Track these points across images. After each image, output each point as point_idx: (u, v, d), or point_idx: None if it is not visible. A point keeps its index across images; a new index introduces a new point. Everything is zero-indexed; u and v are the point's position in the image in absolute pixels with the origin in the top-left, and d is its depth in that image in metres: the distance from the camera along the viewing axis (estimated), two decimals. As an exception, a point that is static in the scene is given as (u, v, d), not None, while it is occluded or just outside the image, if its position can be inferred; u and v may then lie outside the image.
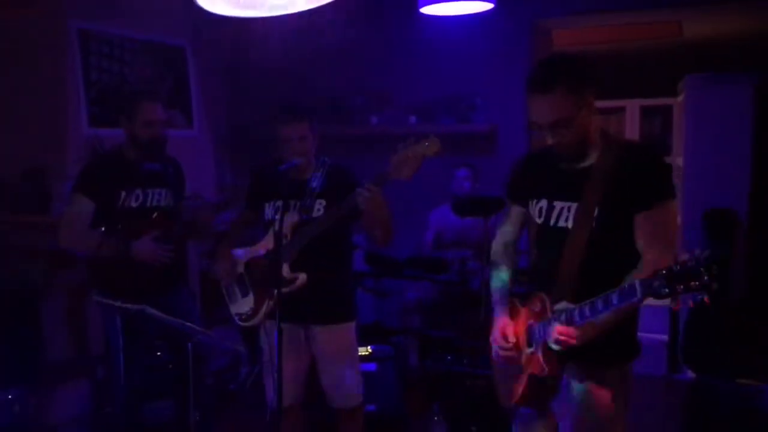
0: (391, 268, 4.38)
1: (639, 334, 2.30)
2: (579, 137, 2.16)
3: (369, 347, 3.97)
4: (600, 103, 2.22)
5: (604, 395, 2.21)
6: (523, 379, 2.28)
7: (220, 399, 4.38)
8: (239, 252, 3.14)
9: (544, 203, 2.30)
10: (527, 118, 2.20)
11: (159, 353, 3.76)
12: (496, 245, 2.55)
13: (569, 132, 2.13)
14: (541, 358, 2.18)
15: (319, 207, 2.98)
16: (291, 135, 2.95)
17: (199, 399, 3.17)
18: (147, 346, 3.63)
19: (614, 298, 1.94)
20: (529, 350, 2.25)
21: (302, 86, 5.29)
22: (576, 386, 2.23)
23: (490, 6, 3.84)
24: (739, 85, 5.29)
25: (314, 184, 3.01)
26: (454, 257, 4.51)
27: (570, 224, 2.20)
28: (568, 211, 2.21)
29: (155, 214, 3.38)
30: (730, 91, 5.32)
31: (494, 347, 2.41)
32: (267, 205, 3.08)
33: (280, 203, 2.93)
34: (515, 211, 2.49)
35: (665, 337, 5.20)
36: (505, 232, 2.54)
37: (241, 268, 3.12)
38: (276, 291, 2.60)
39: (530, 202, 2.36)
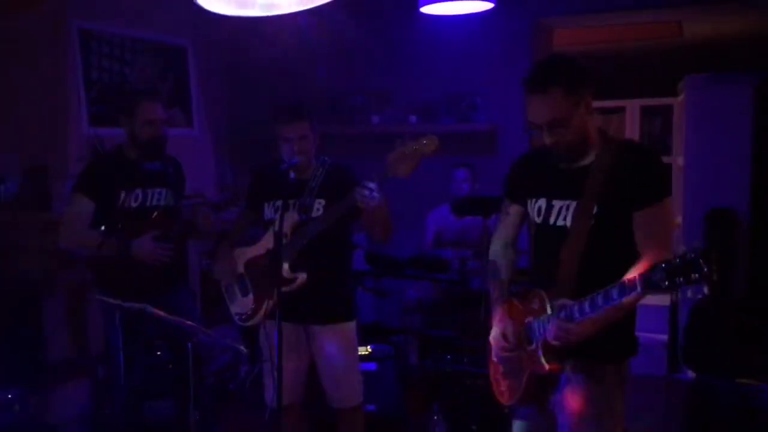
0: (392, 268, 4.38)
1: (639, 334, 2.31)
2: (577, 137, 2.17)
3: (369, 347, 3.97)
4: (600, 103, 2.24)
5: (603, 391, 2.22)
6: (523, 377, 2.28)
7: (220, 399, 4.38)
8: (239, 252, 3.14)
9: (542, 202, 2.30)
10: (527, 118, 2.22)
11: (159, 353, 3.76)
12: (495, 244, 2.55)
13: (567, 131, 2.15)
14: (541, 355, 2.19)
15: (318, 206, 2.98)
16: (291, 134, 2.95)
17: (199, 399, 3.17)
18: (147, 345, 3.63)
19: (614, 293, 1.95)
20: (529, 348, 2.26)
21: (302, 86, 5.29)
22: (575, 382, 2.23)
23: (490, 6, 3.85)
24: (739, 85, 5.28)
25: (314, 183, 3.01)
26: (453, 257, 4.50)
27: (569, 222, 2.21)
28: (567, 209, 2.22)
29: (155, 214, 3.39)
30: (730, 91, 5.32)
31: (494, 347, 2.41)
32: (267, 204, 3.08)
33: (279, 203, 2.93)
34: (514, 210, 2.50)
35: (665, 337, 5.20)
36: (503, 232, 2.55)
37: (241, 268, 3.12)
38: (276, 291, 2.60)
39: (529, 202, 2.37)
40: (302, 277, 2.90)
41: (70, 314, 4.40)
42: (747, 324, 4.46)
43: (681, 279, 1.75)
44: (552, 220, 2.26)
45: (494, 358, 2.43)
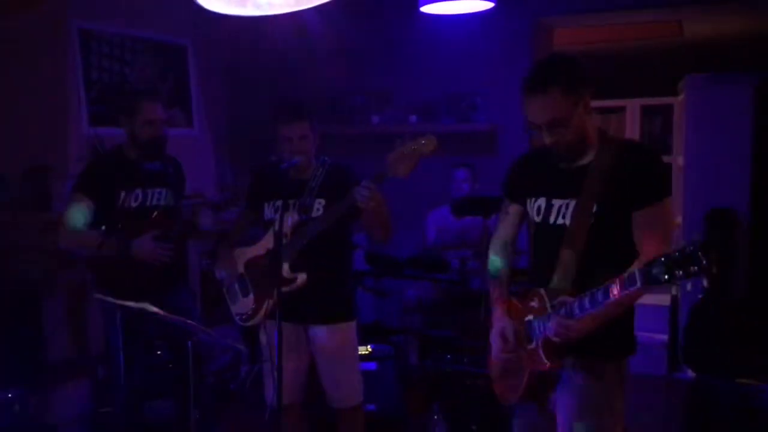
0: (392, 268, 4.38)
1: (639, 333, 2.32)
2: (576, 136, 2.18)
3: (369, 346, 3.98)
4: (600, 103, 2.25)
5: (603, 389, 2.23)
6: (524, 376, 2.28)
7: (220, 398, 4.38)
8: (240, 252, 3.14)
9: (542, 201, 2.31)
10: (527, 118, 2.22)
11: (159, 353, 3.76)
12: (494, 244, 2.55)
13: (567, 131, 2.15)
14: (541, 353, 2.19)
15: (318, 206, 2.98)
16: (292, 134, 2.95)
17: (199, 398, 3.17)
18: (147, 345, 3.63)
19: (614, 289, 1.95)
20: (529, 346, 2.26)
21: (302, 86, 5.29)
22: (575, 380, 2.24)
23: (490, 5, 3.85)
24: (739, 85, 5.28)
25: (314, 183, 3.01)
26: (453, 257, 4.50)
27: (568, 221, 2.22)
28: (566, 208, 2.23)
29: (155, 214, 3.39)
30: (730, 91, 5.32)
31: (493, 347, 2.41)
32: (267, 204, 3.08)
33: (279, 203, 2.93)
34: (513, 209, 2.50)
35: (665, 337, 5.20)
36: (503, 231, 2.55)
37: (241, 268, 3.12)
38: (276, 291, 2.60)
39: (528, 201, 2.38)
40: (302, 277, 2.90)
41: (70, 314, 4.40)
42: (747, 324, 4.47)
43: (680, 272, 1.75)
44: (552, 219, 2.27)
45: (494, 358, 2.44)
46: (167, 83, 5.13)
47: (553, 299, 2.17)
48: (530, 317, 2.27)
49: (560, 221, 2.24)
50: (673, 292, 5.09)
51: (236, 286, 3.14)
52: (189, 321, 2.79)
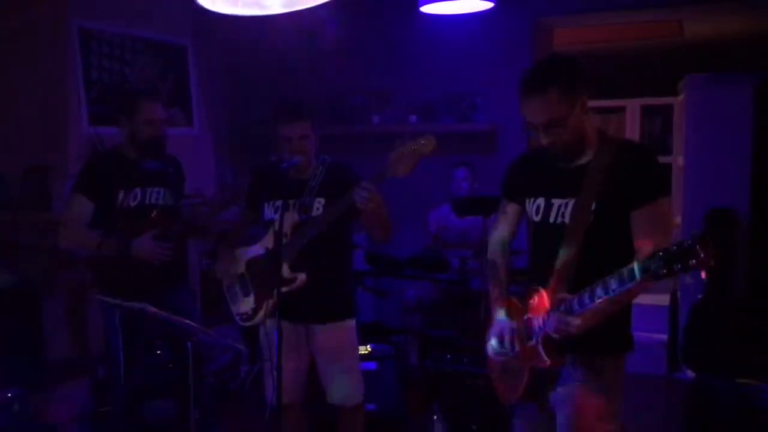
0: (392, 268, 4.38)
1: (639, 333, 2.33)
2: (574, 136, 2.19)
3: (369, 346, 3.98)
4: (600, 103, 2.26)
5: (602, 384, 2.24)
6: (524, 375, 2.29)
7: (220, 398, 4.38)
8: (240, 252, 3.15)
9: (541, 201, 2.32)
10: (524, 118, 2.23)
11: (159, 353, 3.76)
12: (493, 244, 2.56)
13: (564, 131, 2.16)
14: (542, 350, 2.20)
15: (318, 206, 2.98)
16: (292, 134, 2.95)
17: (199, 398, 3.17)
18: (147, 345, 3.63)
19: (613, 284, 1.95)
20: (529, 344, 2.26)
21: (302, 86, 5.29)
22: (575, 376, 2.25)
23: (490, 5, 3.85)
24: (739, 85, 5.28)
25: (314, 182, 3.01)
26: (454, 257, 4.51)
27: (567, 220, 2.23)
28: (566, 207, 2.24)
29: (154, 213, 3.38)
30: (730, 91, 5.31)
31: (490, 350, 2.42)
32: (267, 204, 3.08)
33: (279, 203, 2.94)
34: (511, 209, 2.51)
35: (665, 337, 5.20)
36: (501, 231, 2.56)
37: (242, 268, 3.12)
38: (276, 290, 2.60)
39: (528, 201, 2.38)
40: (302, 277, 2.90)
41: (70, 314, 4.40)
42: (747, 324, 4.47)
43: (679, 266, 1.75)
44: (552, 219, 2.28)
45: (494, 358, 2.44)
46: (167, 83, 5.13)
47: (552, 297, 2.18)
48: (530, 315, 2.27)
49: (560, 220, 2.25)
50: (673, 285, 5.09)
51: (237, 285, 3.14)
52: (188, 322, 2.79)
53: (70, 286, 4.31)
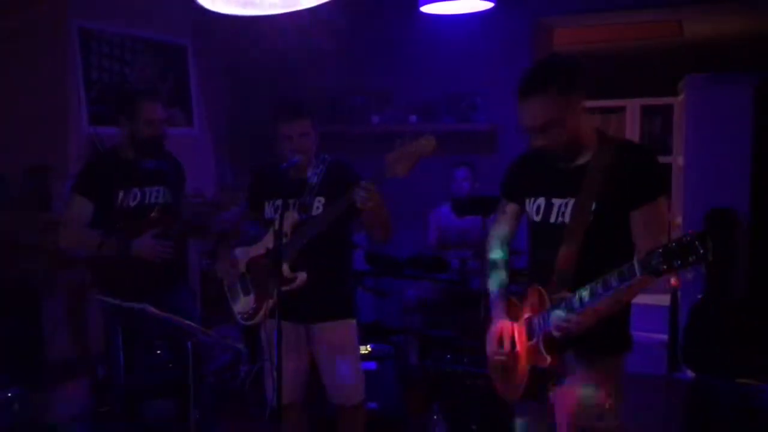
0: (392, 268, 4.38)
1: (639, 333, 2.34)
2: (571, 137, 2.19)
3: (369, 346, 3.98)
4: (600, 103, 2.26)
5: (601, 384, 2.25)
6: (525, 373, 2.29)
7: (220, 398, 4.38)
8: (240, 251, 3.15)
9: (541, 201, 2.33)
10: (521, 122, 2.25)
11: (159, 353, 3.76)
12: (493, 244, 2.56)
13: (562, 132, 2.17)
14: (542, 348, 2.20)
15: (318, 205, 2.98)
16: (292, 132, 2.95)
17: (199, 398, 3.17)
18: (147, 345, 3.63)
19: (613, 281, 1.96)
20: (529, 343, 2.27)
21: (302, 86, 5.28)
22: (575, 375, 2.25)
23: (490, 5, 3.85)
24: (739, 85, 5.28)
25: (314, 181, 3.01)
26: (454, 257, 4.50)
27: (567, 219, 2.23)
28: (566, 206, 2.25)
29: (154, 212, 3.39)
30: (730, 91, 5.32)
31: (488, 351, 2.43)
32: (267, 204, 3.08)
33: (279, 202, 2.94)
34: (511, 208, 2.52)
35: (665, 337, 5.19)
36: (500, 231, 2.56)
37: (242, 268, 3.13)
38: (276, 290, 2.60)
39: (528, 201, 2.39)
40: (302, 276, 2.90)
41: (70, 314, 4.40)
42: (747, 324, 4.47)
43: (678, 262, 1.76)
44: (552, 219, 2.28)
45: (494, 358, 2.44)
46: (167, 83, 5.13)
47: (552, 295, 2.19)
48: (530, 315, 2.28)
49: (560, 220, 2.26)
50: (673, 282, 5.09)
51: (237, 285, 3.14)
52: (188, 322, 2.79)
53: (70, 286, 4.31)
